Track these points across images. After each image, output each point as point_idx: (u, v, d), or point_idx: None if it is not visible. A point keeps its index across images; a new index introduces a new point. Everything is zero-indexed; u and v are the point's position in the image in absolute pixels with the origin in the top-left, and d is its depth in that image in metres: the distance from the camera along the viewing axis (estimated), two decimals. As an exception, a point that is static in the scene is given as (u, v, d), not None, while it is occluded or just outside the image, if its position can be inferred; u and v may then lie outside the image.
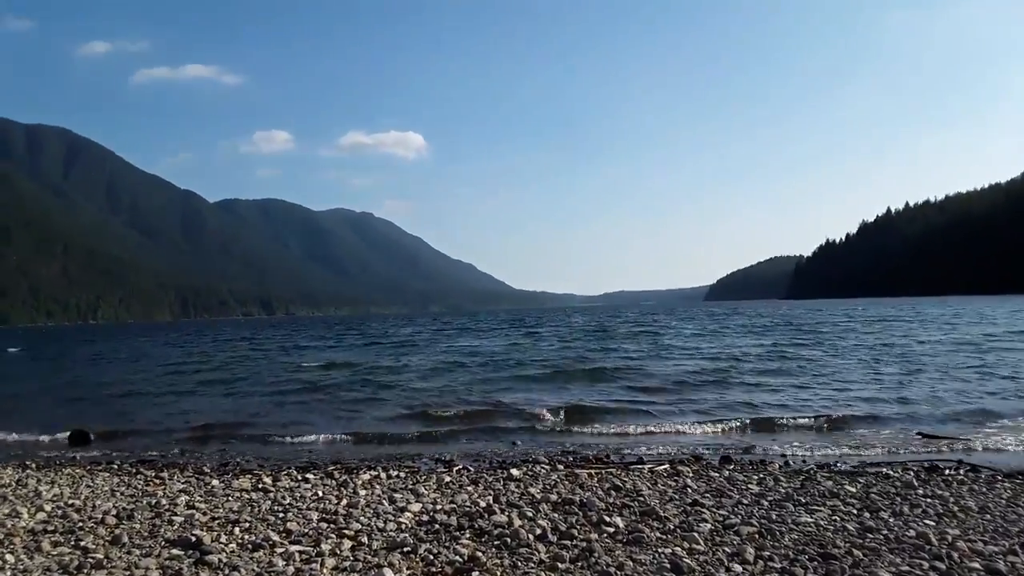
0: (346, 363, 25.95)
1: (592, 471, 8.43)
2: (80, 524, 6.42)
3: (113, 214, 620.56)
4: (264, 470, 9.43)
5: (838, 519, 6.03)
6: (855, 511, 6.32)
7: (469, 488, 7.69)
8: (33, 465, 10.07)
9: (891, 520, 5.97)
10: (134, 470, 9.59)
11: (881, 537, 5.43)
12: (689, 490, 7.41)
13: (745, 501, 6.81)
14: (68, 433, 12.70)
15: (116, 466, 9.94)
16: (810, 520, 5.96)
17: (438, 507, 6.74)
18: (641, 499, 6.95)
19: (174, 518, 6.55)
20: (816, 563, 4.78)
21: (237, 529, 6.12)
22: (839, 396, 14.98)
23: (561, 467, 8.86)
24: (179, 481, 8.65)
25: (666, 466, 8.78)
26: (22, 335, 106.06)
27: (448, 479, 8.18)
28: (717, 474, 8.35)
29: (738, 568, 4.70)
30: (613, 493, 7.24)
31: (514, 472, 8.39)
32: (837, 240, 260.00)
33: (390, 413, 14.58)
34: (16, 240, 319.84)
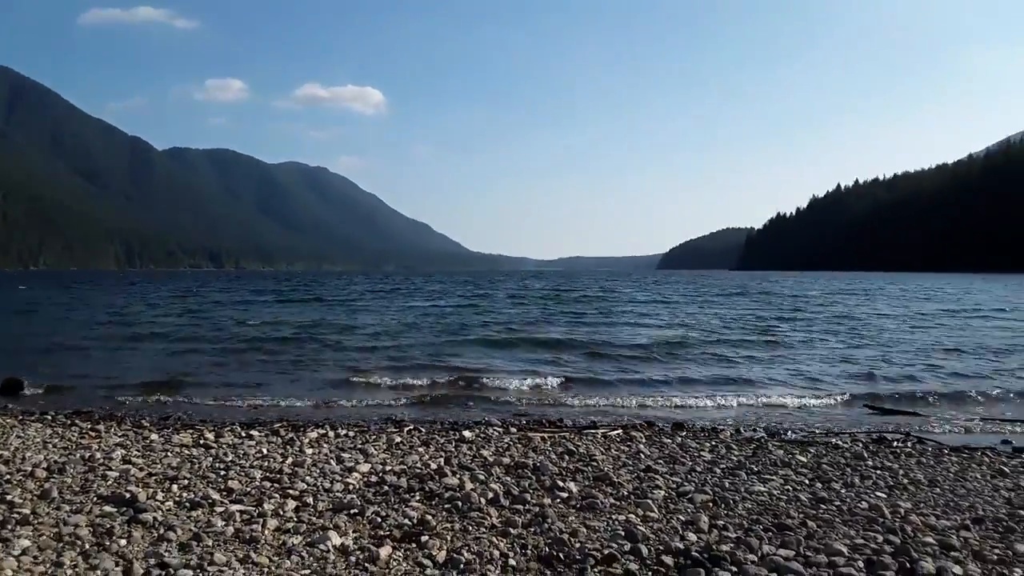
0: (295, 322, 25.38)
1: (545, 435, 8.34)
2: (7, 477, 6.05)
3: (57, 159, 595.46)
4: (207, 425, 9.11)
5: (791, 489, 6.04)
6: (807, 481, 6.35)
7: (420, 449, 7.52)
8: (-42, 415, 9.56)
9: (843, 491, 6.00)
10: (69, 422, 9.17)
11: (834, 508, 5.43)
12: (642, 456, 7.37)
13: (698, 468, 6.79)
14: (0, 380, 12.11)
15: (50, 417, 9.49)
16: (763, 489, 5.95)
17: (387, 468, 6.56)
18: (595, 464, 6.87)
19: (108, 473, 6.23)
20: (771, 533, 4.74)
21: (175, 486, 5.84)
22: (787, 367, 15.22)
23: (514, 430, 8.75)
24: (116, 434, 8.28)
25: (619, 431, 8.74)
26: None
27: (399, 439, 7.99)
28: (670, 440, 8.34)
29: (693, 537, 4.63)
30: (567, 458, 7.16)
31: (466, 434, 8.25)
32: (788, 214, 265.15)
33: (337, 374, 14.26)
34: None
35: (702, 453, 7.65)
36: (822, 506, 5.50)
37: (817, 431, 9.42)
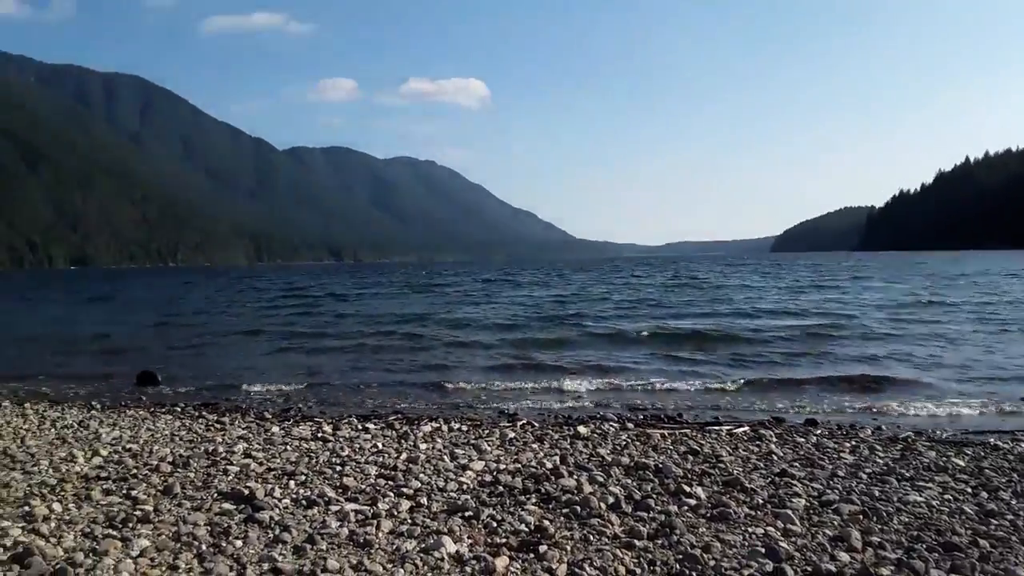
0: (412, 314, 25.67)
1: (665, 431, 7.88)
2: (134, 471, 6.26)
3: (188, 161, 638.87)
4: (325, 417, 9.23)
5: (951, 499, 5.34)
6: (969, 490, 5.61)
7: (534, 446, 7.26)
8: (98, 406, 10.14)
9: (1014, 503, 5.25)
10: (196, 413, 9.53)
11: (1007, 523, 4.73)
12: (775, 457, 6.79)
13: (840, 473, 6.16)
14: (137, 373, 12.84)
15: (179, 409, 9.91)
16: (920, 499, 5.28)
17: (501, 466, 6.33)
18: (722, 466, 6.38)
19: (229, 467, 6.32)
20: (937, 554, 4.14)
21: (292, 483, 5.83)
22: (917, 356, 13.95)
23: (631, 426, 8.33)
24: (239, 427, 8.50)
25: (746, 428, 8.15)
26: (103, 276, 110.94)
27: (512, 435, 7.76)
28: (803, 439, 7.68)
29: (844, 557, 4.10)
30: (691, 458, 6.69)
31: (581, 430, 7.91)
32: (912, 191, 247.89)
33: (454, 364, 14.27)
34: (97, 186, 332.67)
35: (842, 455, 6.98)
36: (992, 520, 4.81)
37: (970, 430, 8.46)
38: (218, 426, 8.53)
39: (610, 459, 6.56)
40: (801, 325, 18.89)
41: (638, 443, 7.37)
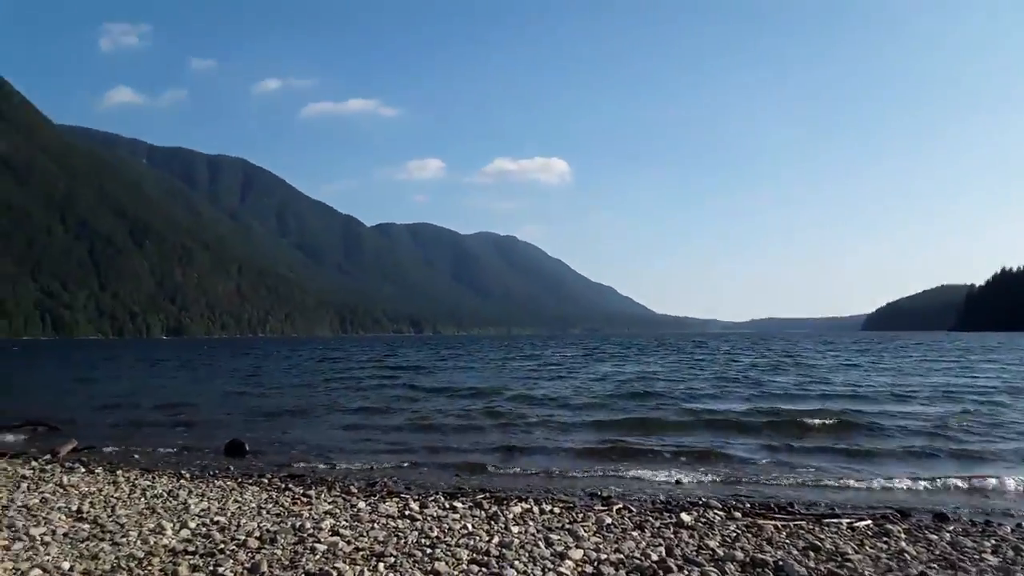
0: (491, 388, 25.30)
1: (778, 523, 7.20)
2: (221, 545, 6.09)
3: (282, 236, 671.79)
4: (411, 493, 8.93)
5: None
6: None
7: (634, 534, 6.73)
8: (187, 475, 10.16)
9: None
10: (283, 485, 9.41)
11: None
12: (907, 557, 6.05)
13: (992, 580, 5.39)
14: (225, 444, 12.93)
15: (266, 480, 9.82)
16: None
17: (602, 556, 5.85)
18: (850, 565, 5.71)
19: (317, 546, 6.08)
20: None
21: (382, 565, 5.53)
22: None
23: (738, 515, 7.68)
24: (326, 501, 8.30)
25: (868, 522, 7.37)
26: (195, 346, 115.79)
27: (609, 520, 7.25)
28: (936, 536, 6.87)
29: None
30: (812, 554, 6.03)
31: (684, 517, 7.32)
32: (1016, 268, 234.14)
33: (537, 443, 13.81)
34: (197, 260, 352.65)
35: (984, 555, 6.19)
36: None
37: None
38: (304, 499, 8.36)
39: (722, 553, 5.98)
40: (921, 412, 17.42)
41: (749, 535, 6.74)
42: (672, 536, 6.65)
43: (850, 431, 14.40)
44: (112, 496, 8.37)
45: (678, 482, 10.07)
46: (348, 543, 6.22)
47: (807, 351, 59.14)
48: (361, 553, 5.91)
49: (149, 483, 9.37)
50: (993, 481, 9.87)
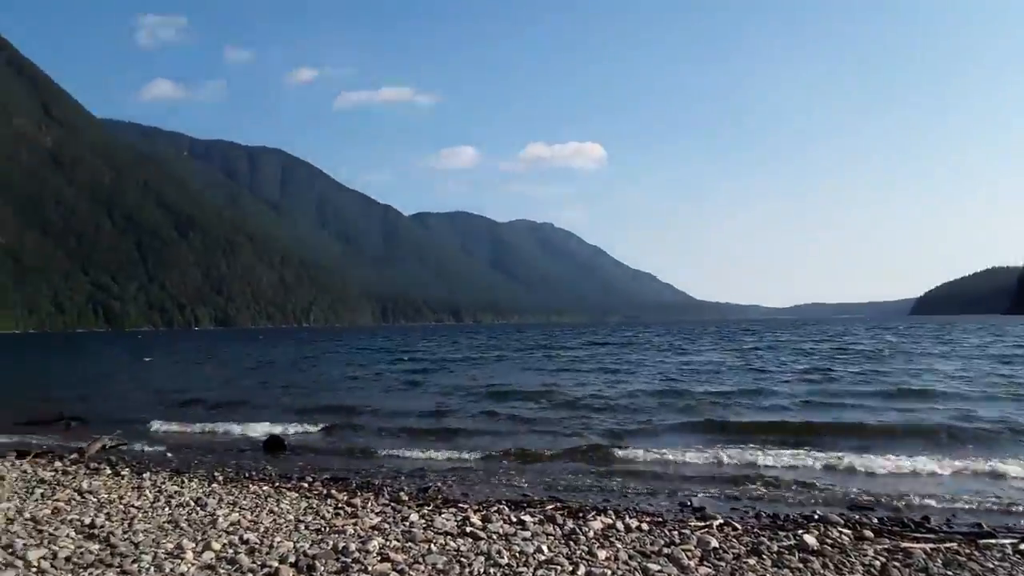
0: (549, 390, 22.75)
1: (927, 546, 5.84)
2: (249, 575, 4.98)
3: (322, 227, 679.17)
4: (470, 503, 7.75)
5: None
6: None
7: (751, 562, 5.44)
8: (220, 478, 9.13)
9: None
10: (325, 491, 8.30)
11: None
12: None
13: None
14: (264, 440, 11.96)
15: (306, 485, 8.73)
16: None
17: (725, 597, 4.58)
18: (1057, 615, 4.33)
19: (364, 577, 4.93)
20: None
21: (445, 610, 4.34)
22: None
23: (869, 533, 6.31)
24: (372, 512, 7.17)
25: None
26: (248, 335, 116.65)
27: (714, 543, 5.95)
28: None
29: None
30: (996, 596, 4.68)
31: (808, 539, 5.97)
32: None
33: (602, 441, 12.55)
34: (241, 252, 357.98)
35: None
36: None
37: None
38: (349, 509, 7.24)
39: (877, 593, 4.66)
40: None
41: (896, 564, 5.39)
42: (800, 566, 5.33)
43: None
44: (133, 505, 7.36)
45: (773, 484, 8.69)
46: (401, 573, 5.06)
47: (875, 339, 56.47)
48: (419, 589, 4.75)
49: (177, 488, 8.37)
50: None
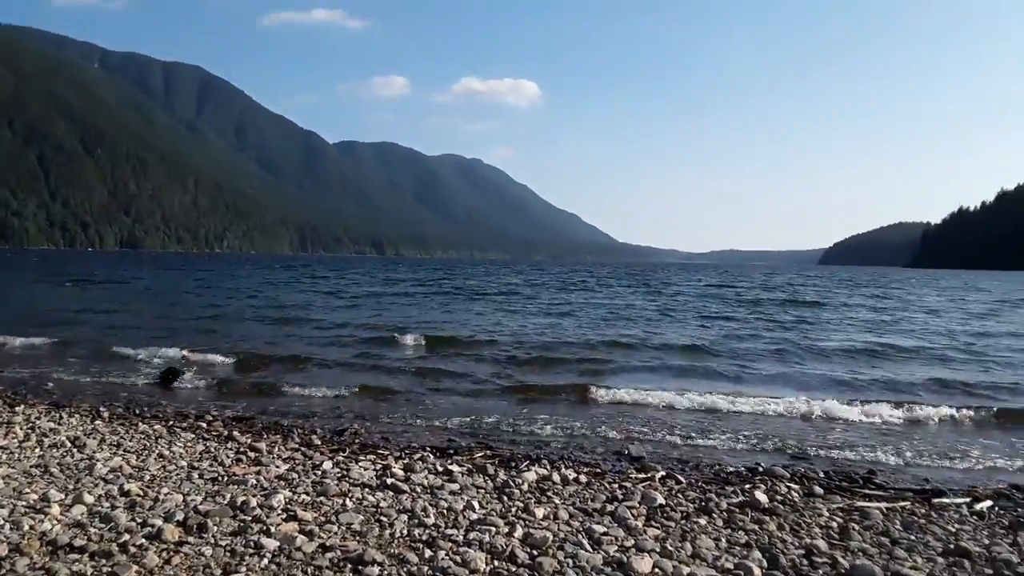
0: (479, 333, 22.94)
1: (883, 505, 5.50)
2: (126, 536, 4.16)
3: (241, 151, 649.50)
4: (391, 448, 7.04)
5: None
6: None
7: (701, 522, 4.95)
8: (106, 414, 8.08)
9: None
10: (226, 431, 7.42)
11: None
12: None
13: None
14: (162, 371, 10.86)
15: (205, 424, 7.80)
16: None
17: (682, 568, 4.05)
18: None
19: (264, 541, 4.18)
20: None
21: (362, 580, 3.65)
22: None
23: (818, 490, 5.94)
24: (280, 457, 6.37)
25: (988, 503, 5.70)
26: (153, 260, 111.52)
27: (659, 499, 5.44)
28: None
29: None
30: (967, 565, 4.32)
31: (760, 497, 5.53)
32: (972, 207, 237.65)
33: (504, 380, 12.02)
34: (151, 171, 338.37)
35: None
36: None
37: None
38: (252, 455, 6.41)
39: (844, 562, 4.22)
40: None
41: (854, 525, 5.01)
42: (755, 528, 4.88)
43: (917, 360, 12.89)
44: (-5, 446, 6.32)
45: (703, 431, 8.32)
46: (311, 536, 4.33)
47: (804, 287, 58.19)
48: (329, 557, 4.03)
49: (53, 425, 7.31)
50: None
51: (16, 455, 6.06)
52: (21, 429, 7.01)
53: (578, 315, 23.53)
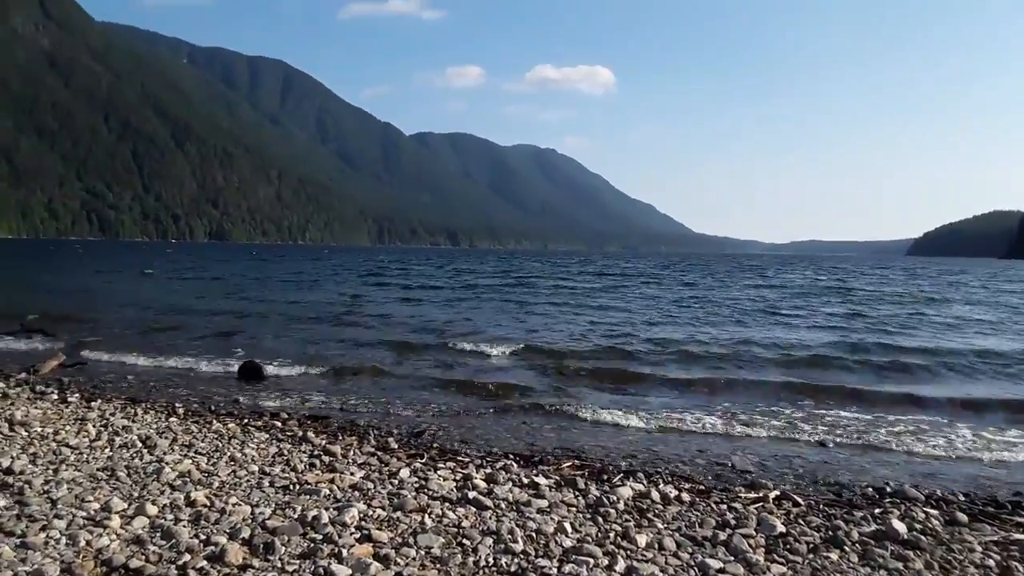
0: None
1: (1048, 544, 4.65)
2: (186, 557, 3.78)
3: (321, 143, 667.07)
4: (472, 456, 6.55)
5: None
6: None
7: (833, 557, 4.25)
8: (180, 411, 7.90)
9: None
10: (300, 432, 7.09)
11: None
12: None
13: None
14: (238, 366, 10.73)
15: (279, 424, 7.50)
16: None
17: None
18: None
19: (335, 569, 3.72)
20: None
21: (444, 632, 3.13)
22: None
23: (961, 516, 5.11)
24: (355, 463, 5.97)
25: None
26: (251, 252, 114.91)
27: (779, 526, 4.74)
28: None
29: None
30: None
31: (897, 527, 4.74)
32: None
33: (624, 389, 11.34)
34: (237, 164, 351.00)
35: None
36: None
37: None
38: (326, 459, 6.03)
39: None
40: None
41: (1016, 563, 4.20)
42: (901, 568, 4.14)
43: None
44: (67, 444, 6.13)
45: (819, 442, 7.50)
46: (386, 562, 3.86)
47: (897, 283, 55.13)
48: (408, 588, 3.54)
49: (126, 422, 7.14)
50: None
51: (85, 456, 5.84)
52: (94, 427, 6.85)
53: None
